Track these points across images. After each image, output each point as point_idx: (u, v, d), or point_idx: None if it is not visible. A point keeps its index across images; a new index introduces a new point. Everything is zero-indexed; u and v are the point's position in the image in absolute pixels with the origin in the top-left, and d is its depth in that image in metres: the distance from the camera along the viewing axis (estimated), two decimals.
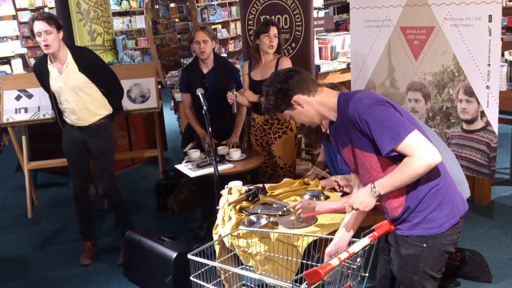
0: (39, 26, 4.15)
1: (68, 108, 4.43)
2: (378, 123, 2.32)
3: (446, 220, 2.45)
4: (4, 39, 10.65)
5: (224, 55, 8.44)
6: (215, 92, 4.72)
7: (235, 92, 4.56)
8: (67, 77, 4.33)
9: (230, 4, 13.59)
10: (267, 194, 3.54)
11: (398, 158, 2.35)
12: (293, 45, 5.74)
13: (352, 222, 2.70)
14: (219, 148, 4.64)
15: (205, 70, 4.86)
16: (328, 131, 3.54)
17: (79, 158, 4.62)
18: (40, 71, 4.45)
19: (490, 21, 4.10)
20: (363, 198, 2.44)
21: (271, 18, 5.68)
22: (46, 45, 4.17)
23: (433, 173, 2.43)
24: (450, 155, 3.34)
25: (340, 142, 2.58)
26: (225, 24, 13.77)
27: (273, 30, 4.62)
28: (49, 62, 4.36)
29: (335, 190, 3.67)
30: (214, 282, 2.60)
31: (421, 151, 2.28)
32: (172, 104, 6.92)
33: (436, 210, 2.44)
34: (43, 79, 4.43)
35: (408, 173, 2.32)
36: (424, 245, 2.46)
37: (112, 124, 4.70)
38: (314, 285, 2.11)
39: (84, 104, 4.41)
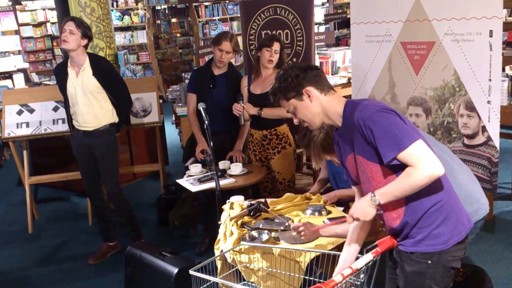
0: (67, 24, 4.50)
1: (77, 110, 4.63)
2: (382, 130, 2.31)
3: (450, 236, 2.43)
4: (6, 53, 10.70)
5: None
6: (223, 97, 4.73)
7: (242, 104, 4.58)
8: (82, 80, 4.57)
9: (232, 19, 13.61)
10: (269, 209, 3.53)
11: (399, 168, 2.33)
12: (294, 59, 5.76)
13: (354, 242, 2.68)
14: (221, 162, 4.64)
15: (216, 72, 4.89)
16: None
17: (87, 162, 4.81)
18: (60, 72, 4.72)
19: (491, 36, 4.11)
20: (363, 207, 2.41)
21: (272, 33, 5.70)
22: (64, 40, 4.47)
23: (436, 188, 2.41)
24: (466, 171, 3.30)
25: (344, 149, 2.57)
26: None
27: (276, 46, 4.62)
28: (69, 65, 4.63)
29: (337, 204, 3.66)
30: None
31: (424, 161, 2.25)
32: (174, 118, 6.92)
33: (441, 226, 2.41)
34: (61, 80, 4.67)
35: (410, 183, 2.29)
36: (429, 261, 2.44)
37: (115, 132, 4.83)
38: None
39: (92, 108, 4.62)
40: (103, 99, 4.66)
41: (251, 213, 3.44)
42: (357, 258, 2.36)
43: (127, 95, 4.87)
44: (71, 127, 4.80)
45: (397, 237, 2.53)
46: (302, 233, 3.07)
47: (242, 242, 3.04)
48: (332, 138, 3.04)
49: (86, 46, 4.61)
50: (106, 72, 4.68)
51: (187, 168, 4.77)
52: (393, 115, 2.37)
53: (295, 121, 2.64)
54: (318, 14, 12.47)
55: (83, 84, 4.56)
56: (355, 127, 2.39)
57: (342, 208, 3.61)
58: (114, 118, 4.76)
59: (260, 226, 3.29)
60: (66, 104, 4.73)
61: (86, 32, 4.55)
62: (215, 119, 4.48)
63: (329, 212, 3.52)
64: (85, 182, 4.90)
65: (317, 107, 2.54)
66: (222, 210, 3.61)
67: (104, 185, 4.90)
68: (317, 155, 3.54)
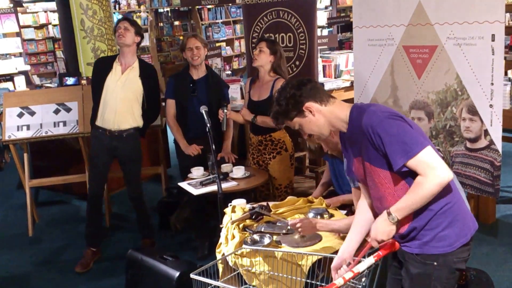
0: (121, 23, 4.68)
1: (110, 106, 4.67)
2: (391, 137, 2.31)
3: (457, 238, 2.43)
4: (8, 56, 10.70)
5: (228, 72, 8.47)
6: (204, 101, 4.66)
7: (225, 110, 4.54)
8: (126, 77, 4.69)
9: (235, 22, 13.65)
10: (271, 212, 3.52)
11: (409, 174, 2.34)
12: (297, 63, 5.76)
13: (356, 234, 2.67)
14: (223, 165, 4.63)
15: (195, 77, 4.88)
16: (329, 151, 3.56)
17: (103, 164, 4.86)
18: (103, 64, 4.82)
19: (493, 40, 4.10)
20: (383, 228, 2.42)
21: (274, 36, 5.70)
22: (121, 36, 4.63)
23: (444, 191, 2.41)
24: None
25: (350, 152, 2.57)
26: (230, 42, 13.85)
27: (260, 45, 4.62)
28: (116, 60, 4.76)
29: (340, 208, 3.65)
30: None
31: (433, 169, 2.27)
32: None
33: (447, 228, 2.42)
34: (102, 72, 4.73)
35: (422, 194, 2.31)
36: (435, 263, 2.44)
37: (139, 137, 4.95)
38: None
39: (127, 106, 4.71)
40: (139, 101, 4.76)
41: (253, 217, 3.43)
42: (359, 262, 2.35)
43: (159, 106, 5.02)
44: (93, 125, 4.84)
45: (402, 239, 2.52)
46: (300, 229, 3.06)
47: (243, 246, 3.03)
48: None
49: (138, 45, 4.79)
50: (151, 78, 4.84)
51: (189, 171, 4.75)
52: (402, 122, 2.38)
53: (304, 135, 2.65)
54: (321, 18, 12.49)
55: (126, 82, 4.66)
56: (363, 133, 2.39)
57: (344, 212, 3.60)
58: (141, 122, 4.85)
59: (262, 230, 3.27)
60: (97, 98, 4.75)
61: (139, 31, 4.75)
62: (197, 124, 4.44)
63: (331, 216, 3.51)
64: (93, 184, 4.90)
65: (321, 119, 2.55)
66: (223, 214, 3.60)
67: (128, 187, 5.04)
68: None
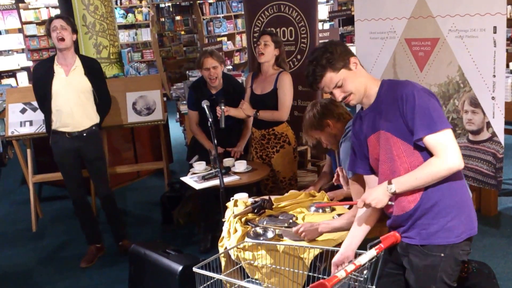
0: (57, 22, 4.41)
1: (66, 111, 4.52)
2: (420, 109, 2.32)
3: (464, 230, 2.44)
4: (10, 52, 10.71)
5: (229, 67, 8.45)
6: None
7: (223, 107, 4.48)
8: (73, 78, 4.51)
9: (236, 16, 13.64)
10: (273, 206, 3.53)
11: (425, 151, 2.35)
12: (299, 57, 5.75)
13: (359, 230, 2.66)
14: (225, 160, 4.63)
15: (213, 91, 4.86)
16: (328, 146, 3.55)
17: (73, 167, 4.75)
18: (44, 71, 4.58)
19: (495, 32, 4.10)
20: (377, 194, 2.41)
21: (276, 30, 5.69)
22: (61, 39, 4.40)
23: (455, 182, 2.42)
24: None
25: (367, 128, 2.53)
26: (231, 37, 13.84)
27: (264, 38, 4.59)
28: (56, 63, 4.54)
29: (342, 200, 3.65)
30: None
31: (448, 152, 2.28)
32: (178, 116, 6.93)
33: (454, 219, 2.42)
34: (45, 79, 4.52)
35: (429, 173, 2.31)
36: (442, 254, 2.43)
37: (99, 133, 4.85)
38: None
39: (84, 107, 4.58)
40: (91, 98, 4.64)
41: (255, 211, 3.44)
42: (360, 255, 2.35)
43: (109, 96, 4.89)
44: (49, 132, 4.68)
45: (401, 227, 2.52)
46: (303, 234, 3.04)
47: (246, 239, 3.04)
48: (320, 116, 3.23)
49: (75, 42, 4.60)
50: (97, 72, 4.70)
51: (191, 166, 4.76)
52: (434, 99, 2.39)
53: (340, 96, 2.48)
54: (323, 11, 12.50)
55: (74, 83, 4.52)
56: (395, 101, 2.38)
57: (347, 206, 3.60)
58: (98, 118, 4.75)
59: (264, 224, 3.28)
60: (48, 105, 4.56)
61: (74, 27, 4.54)
62: (221, 135, 4.36)
63: (333, 209, 3.51)
64: (72, 188, 4.81)
65: (363, 77, 2.51)
66: (226, 208, 3.61)
67: (97, 186, 4.93)
68: (305, 133, 3.55)
